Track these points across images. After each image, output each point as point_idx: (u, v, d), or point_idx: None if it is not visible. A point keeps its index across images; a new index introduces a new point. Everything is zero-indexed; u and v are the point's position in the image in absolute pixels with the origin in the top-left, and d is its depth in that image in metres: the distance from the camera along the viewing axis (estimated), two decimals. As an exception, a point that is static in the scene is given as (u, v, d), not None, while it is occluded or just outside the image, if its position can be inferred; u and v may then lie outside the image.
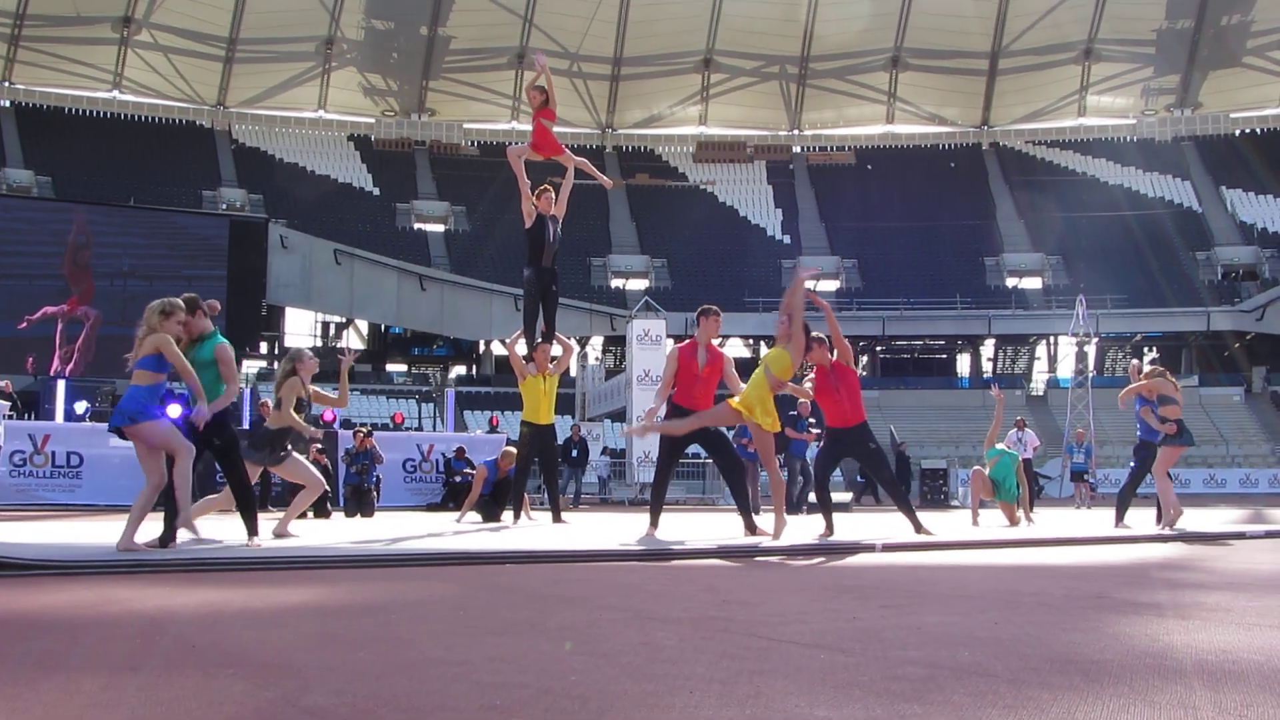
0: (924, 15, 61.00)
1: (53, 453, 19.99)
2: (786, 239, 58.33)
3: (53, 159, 53.64)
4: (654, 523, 10.61)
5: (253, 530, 9.18)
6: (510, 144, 13.71)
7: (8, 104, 57.40)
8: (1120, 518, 13.06)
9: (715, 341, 11.01)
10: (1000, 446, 14.68)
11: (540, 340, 12.69)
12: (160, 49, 59.08)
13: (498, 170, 58.30)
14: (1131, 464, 13.65)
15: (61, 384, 25.12)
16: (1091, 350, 51.24)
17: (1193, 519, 13.19)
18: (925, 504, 27.78)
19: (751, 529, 10.60)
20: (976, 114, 64.64)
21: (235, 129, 60.66)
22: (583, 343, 50.42)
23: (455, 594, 6.34)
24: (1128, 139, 62.84)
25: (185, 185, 53.58)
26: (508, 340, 12.55)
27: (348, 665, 3.85)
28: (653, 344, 32.23)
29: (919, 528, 10.75)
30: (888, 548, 9.44)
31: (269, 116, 61.95)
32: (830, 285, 56.09)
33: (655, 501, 10.95)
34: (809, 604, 5.73)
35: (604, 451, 33.48)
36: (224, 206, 53.24)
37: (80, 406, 23.30)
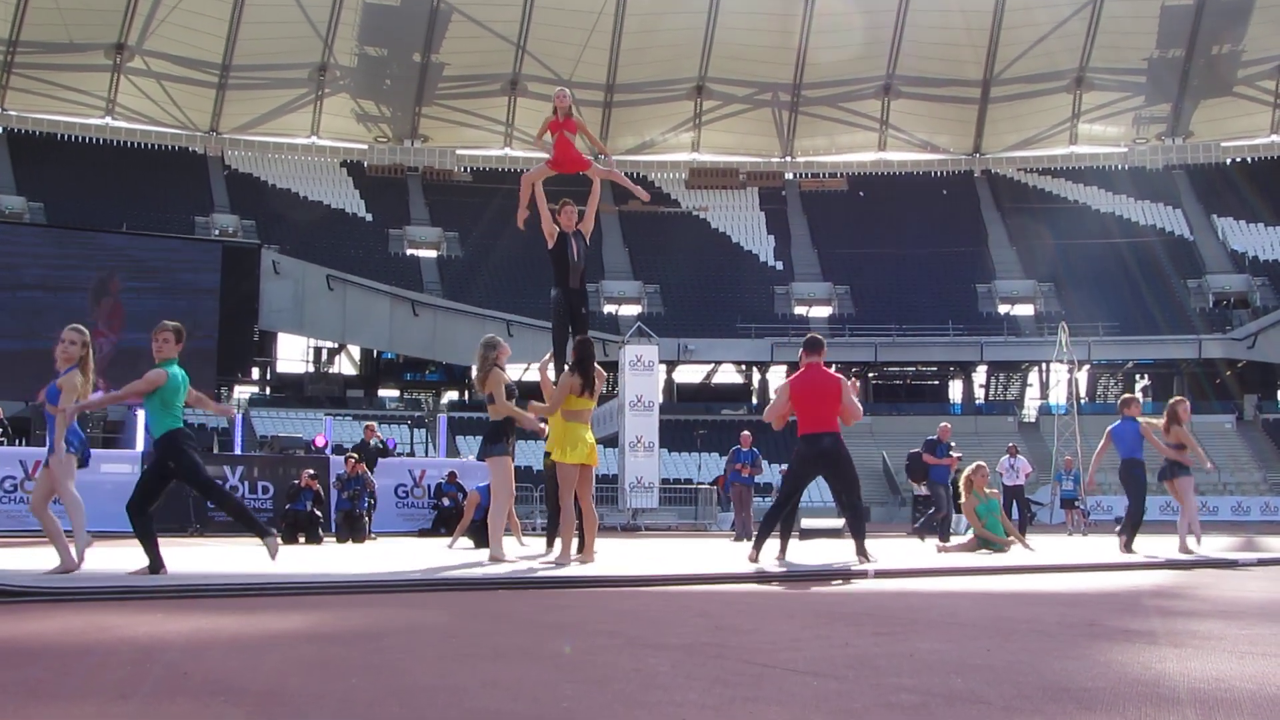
0: (916, 43, 61.22)
1: (43, 479, 19.91)
2: (779, 265, 58.46)
3: (45, 185, 53.61)
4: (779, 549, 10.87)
5: (265, 533, 9.17)
6: (516, 171, 12.58)
7: (0, 130, 57.41)
8: (1129, 544, 13.15)
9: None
10: (987, 492, 14.33)
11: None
12: (153, 75, 59.16)
13: (491, 196, 58.55)
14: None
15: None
16: (1082, 377, 51.32)
17: (1167, 547, 13.21)
18: (917, 530, 27.70)
19: (862, 553, 10.36)
20: (968, 141, 64.88)
21: (228, 155, 60.70)
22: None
23: (447, 620, 6.33)
24: (1119, 167, 63.11)
25: (178, 211, 53.63)
26: (538, 365, 11.93)
27: (341, 692, 3.84)
28: (645, 370, 32.23)
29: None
30: (880, 574, 9.43)
31: (262, 143, 61.99)
32: (823, 311, 56.18)
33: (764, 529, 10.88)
34: (802, 630, 5.72)
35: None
36: (216, 232, 53.27)
37: (70, 432, 23.20)
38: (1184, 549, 12.75)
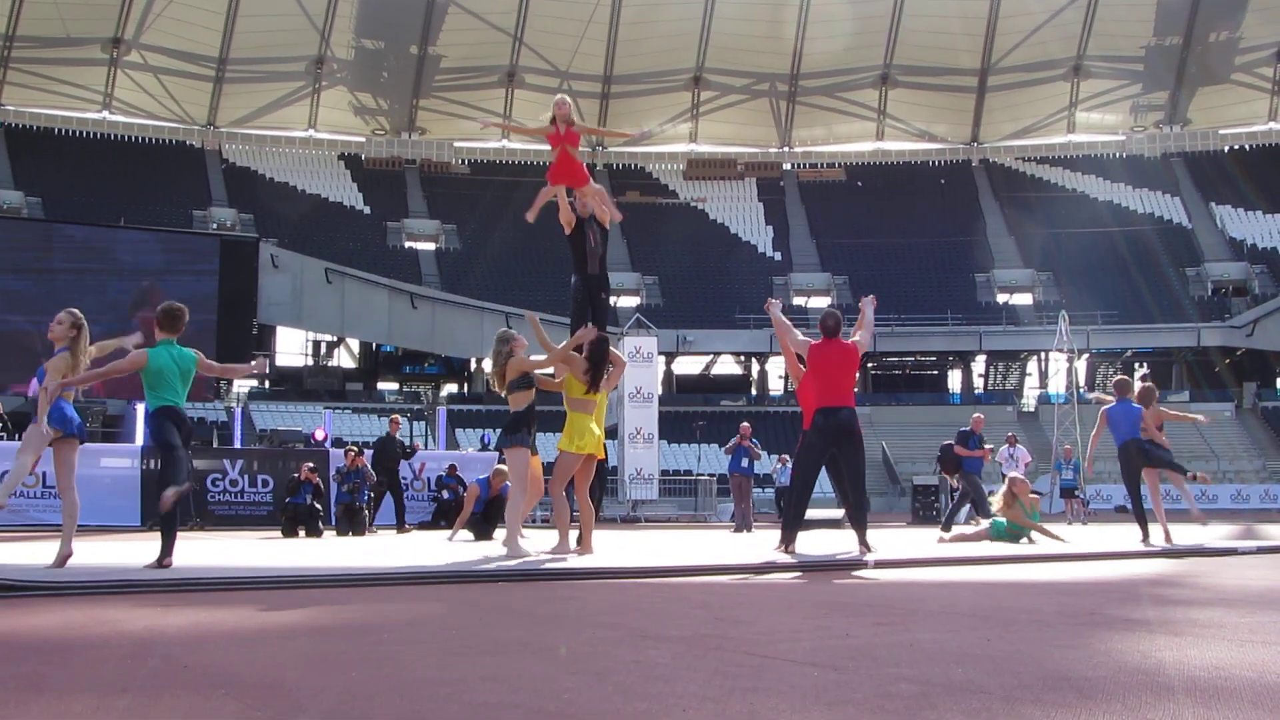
0: (913, 33, 61.16)
1: (44, 473, 19.86)
2: (777, 256, 58.42)
3: (43, 180, 53.54)
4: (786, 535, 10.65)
5: (173, 482, 9.10)
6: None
7: (-2, 125, 57.39)
8: (1147, 533, 12.93)
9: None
10: (1032, 498, 13.90)
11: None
12: (150, 69, 59.07)
13: (488, 188, 58.57)
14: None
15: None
16: (1081, 366, 51.29)
17: (1184, 535, 13.20)
18: (917, 520, 27.78)
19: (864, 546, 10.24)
20: (966, 131, 64.80)
21: (225, 149, 60.60)
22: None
23: (447, 613, 6.33)
24: (1117, 155, 63.00)
25: (176, 205, 53.51)
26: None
27: (339, 685, 3.84)
28: (644, 361, 32.19)
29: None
30: (880, 564, 9.43)
31: (259, 136, 61.90)
32: (821, 302, 56.14)
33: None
34: (801, 621, 5.73)
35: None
36: (214, 226, 53.17)
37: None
38: (1168, 538, 12.62)
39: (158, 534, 9.18)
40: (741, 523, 20.31)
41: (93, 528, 18.61)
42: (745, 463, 20.54)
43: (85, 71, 58.50)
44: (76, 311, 9.28)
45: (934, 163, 64.83)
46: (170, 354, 9.09)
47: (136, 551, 9.97)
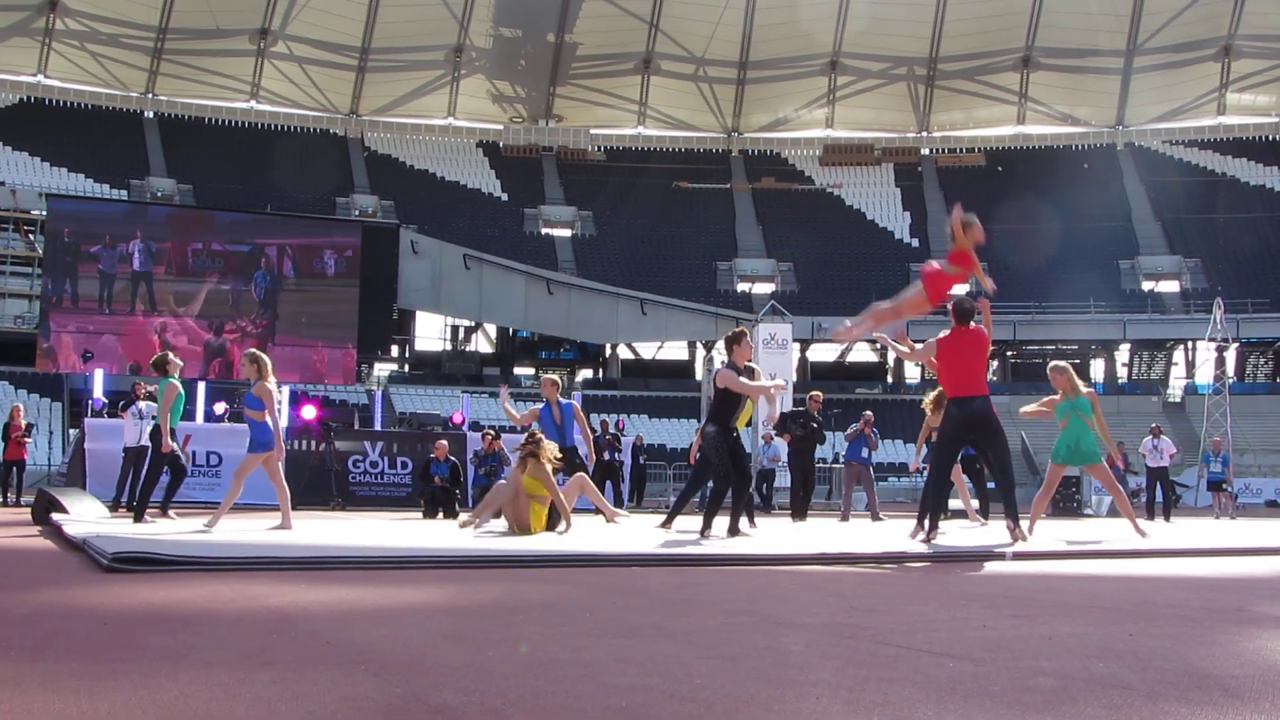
0: (1055, 14, 59.83)
1: (194, 452, 20.56)
2: (915, 242, 57.62)
3: (193, 167, 55.22)
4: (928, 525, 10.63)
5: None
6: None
7: (151, 115, 59.22)
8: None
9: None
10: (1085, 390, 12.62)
11: None
12: (295, 59, 60.54)
13: (624, 175, 58.79)
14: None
15: (202, 386, 25.86)
16: (1231, 356, 49.75)
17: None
18: (1058, 512, 27.26)
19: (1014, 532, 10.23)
20: (1111, 113, 63.18)
21: (368, 137, 61.83)
22: (708, 346, 50.48)
23: (582, 596, 6.38)
24: (1270, 138, 60.89)
25: (319, 192, 54.77)
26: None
27: (476, 665, 3.90)
28: (779, 348, 32.02)
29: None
30: (1018, 556, 9.28)
31: (400, 124, 63.05)
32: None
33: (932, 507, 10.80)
34: (937, 612, 5.66)
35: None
36: (357, 213, 54.29)
37: (219, 407, 23.96)
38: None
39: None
40: (847, 512, 19.74)
41: (241, 505, 19.13)
42: (865, 452, 20.08)
43: (233, 62, 60.19)
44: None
45: (1077, 146, 63.36)
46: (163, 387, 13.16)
47: (283, 530, 10.23)
